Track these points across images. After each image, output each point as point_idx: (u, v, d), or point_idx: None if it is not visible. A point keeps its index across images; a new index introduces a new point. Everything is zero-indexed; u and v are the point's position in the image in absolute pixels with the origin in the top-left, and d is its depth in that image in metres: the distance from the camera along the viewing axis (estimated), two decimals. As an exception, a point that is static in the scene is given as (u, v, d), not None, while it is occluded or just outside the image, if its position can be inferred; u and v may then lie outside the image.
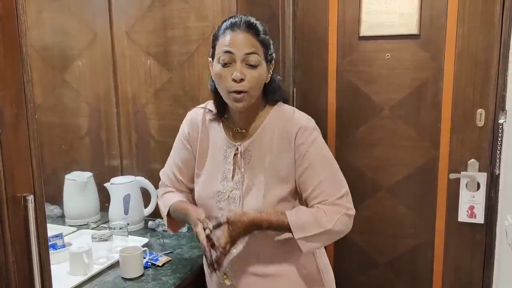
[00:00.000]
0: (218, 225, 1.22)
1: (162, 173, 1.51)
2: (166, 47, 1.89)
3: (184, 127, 1.44)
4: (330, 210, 1.24)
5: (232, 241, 1.22)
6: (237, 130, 1.34)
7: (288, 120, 1.29)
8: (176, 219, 1.43)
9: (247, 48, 1.20)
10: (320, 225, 1.23)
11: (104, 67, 2.03)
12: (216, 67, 1.24)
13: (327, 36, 2.24)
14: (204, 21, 1.81)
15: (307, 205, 1.29)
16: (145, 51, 1.93)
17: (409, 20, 2.09)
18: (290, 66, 2.27)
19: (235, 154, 1.32)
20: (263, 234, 1.27)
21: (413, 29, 2.09)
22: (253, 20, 1.25)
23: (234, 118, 1.34)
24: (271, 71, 1.30)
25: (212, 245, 1.23)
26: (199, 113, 1.42)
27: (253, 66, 1.21)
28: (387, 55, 2.15)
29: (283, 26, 2.16)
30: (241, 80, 1.19)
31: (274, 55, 1.30)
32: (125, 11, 1.94)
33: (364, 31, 2.16)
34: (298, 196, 1.34)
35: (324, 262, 1.43)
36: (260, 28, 1.24)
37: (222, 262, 1.24)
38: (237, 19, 1.23)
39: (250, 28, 1.22)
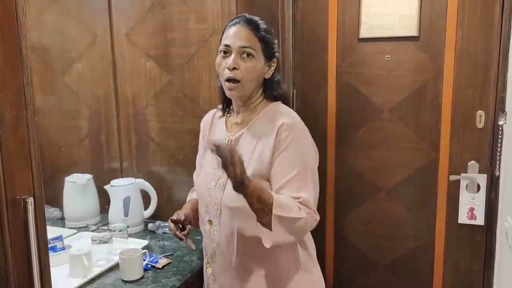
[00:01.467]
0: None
1: (194, 176, 1.61)
2: (166, 50, 1.90)
3: (200, 127, 1.56)
4: (300, 204, 1.25)
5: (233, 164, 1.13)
6: (235, 121, 1.42)
7: (278, 115, 1.34)
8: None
9: (243, 42, 1.30)
10: (298, 211, 1.23)
11: (104, 70, 2.04)
12: (217, 58, 1.35)
13: (327, 38, 2.24)
14: (204, 24, 1.81)
15: None
16: (145, 53, 1.94)
17: (409, 22, 2.09)
18: (289, 68, 2.27)
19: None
20: (239, 227, 1.31)
21: (413, 31, 2.09)
22: (255, 18, 1.35)
23: (234, 110, 1.43)
24: (272, 68, 1.38)
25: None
26: (211, 113, 1.54)
27: (247, 58, 1.30)
28: (387, 57, 2.15)
29: (283, 28, 2.17)
30: (234, 68, 1.28)
31: (277, 54, 1.38)
32: (125, 13, 1.95)
33: (364, 33, 2.16)
34: None
35: (308, 266, 1.41)
36: (261, 26, 1.34)
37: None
38: (240, 17, 1.35)
39: (250, 24, 1.32)
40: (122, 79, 2.01)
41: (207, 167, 1.45)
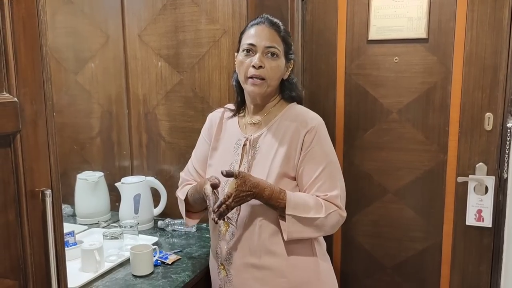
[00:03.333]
0: (229, 175, 1.26)
1: (183, 172, 1.59)
2: (177, 50, 1.93)
3: (205, 125, 1.56)
4: (326, 202, 1.31)
5: (236, 195, 1.24)
6: (251, 122, 1.41)
7: (301, 119, 1.36)
8: (193, 209, 1.50)
9: (268, 41, 1.32)
10: (315, 210, 1.28)
11: (116, 69, 2.07)
12: (239, 56, 1.36)
13: (336, 40, 2.26)
14: (214, 24, 1.84)
15: None
16: (157, 53, 1.97)
17: (418, 24, 2.10)
18: (299, 70, 2.29)
19: (244, 145, 1.39)
20: (258, 224, 1.32)
21: (422, 33, 2.10)
22: (276, 20, 1.38)
23: (250, 110, 1.43)
24: (289, 69, 1.41)
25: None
26: (219, 112, 1.54)
27: (272, 57, 1.33)
28: (396, 59, 2.16)
29: (292, 30, 2.19)
30: (260, 67, 1.30)
31: (294, 56, 1.42)
32: (138, 14, 1.98)
33: (373, 35, 2.18)
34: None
35: (325, 268, 1.42)
36: (283, 27, 1.37)
37: (223, 210, 1.25)
38: (262, 18, 1.38)
39: (273, 24, 1.35)
40: (133, 78, 2.04)
41: (219, 167, 1.40)
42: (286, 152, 1.32)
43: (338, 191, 1.32)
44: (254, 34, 1.33)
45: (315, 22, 2.30)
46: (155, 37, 1.96)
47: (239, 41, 1.39)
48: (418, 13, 2.10)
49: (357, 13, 2.21)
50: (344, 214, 1.34)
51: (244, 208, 1.34)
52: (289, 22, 2.15)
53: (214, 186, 1.32)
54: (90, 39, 2.11)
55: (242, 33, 1.40)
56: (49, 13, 2.10)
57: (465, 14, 2.02)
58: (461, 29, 2.04)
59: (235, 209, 1.33)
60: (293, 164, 1.33)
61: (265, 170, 1.33)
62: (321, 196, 1.31)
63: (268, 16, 1.38)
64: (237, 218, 1.35)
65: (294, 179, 1.35)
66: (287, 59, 1.38)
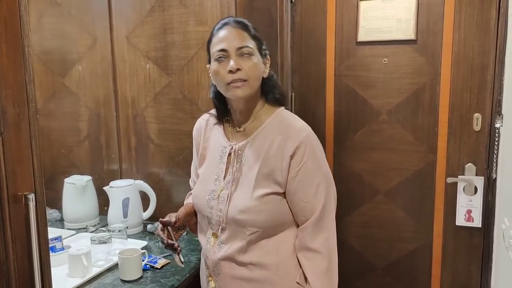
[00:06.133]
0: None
1: (190, 181, 1.56)
2: (166, 52, 1.91)
3: (193, 134, 1.50)
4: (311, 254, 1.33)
5: None
6: (236, 129, 1.35)
7: (288, 129, 1.29)
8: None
9: (239, 42, 1.24)
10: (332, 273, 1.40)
11: (104, 71, 2.05)
12: (213, 66, 1.28)
13: (325, 41, 2.26)
14: (203, 26, 1.83)
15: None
16: (145, 55, 1.95)
17: (406, 25, 2.11)
18: (288, 71, 2.28)
19: (229, 154, 1.33)
20: (246, 238, 1.27)
21: (410, 35, 2.11)
22: (241, 18, 1.30)
23: (235, 117, 1.36)
24: (267, 66, 1.33)
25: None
26: (204, 119, 1.47)
27: (247, 56, 1.24)
28: (385, 60, 2.17)
29: (282, 32, 2.18)
30: (237, 70, 1.22)
31: (267, 51, 1.34)
32: (125, 16, 1.96)
33: (362, 36, 2.19)
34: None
35: None
36: (250, 24, 1.29)
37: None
38: (226, 19, 1.30)
39: (239, 24, 1.28)
40: (121, 81, 2.03)
41: (205, 177, 1.38)
42: (273, 163, 1.26)
43: (320, 207, 1.30)
44: (222, 39, 1.24)
45: (304, 24, 2.29)
46: (143, 39, 1.94)
47: (208, 51, 1.30)
48: (406, 15, 2.10)
49: (346, 15, 2.21)
50: (326, 259, 1.37)
51: (232, 220, 1.28)
52: (278, 23, 2.15)
53: (165, 224, 1.33)
54: (77, 42, 2.09)
55: (209, 42, 1.30)
56: (35, 15, 2.11)
57: (453, 15, 2.03)
58: (449, 30, 2.05)
59: (221, 221, 1.30)
60: (282, 175, 1.26)
61: (250, 188, 1.27)
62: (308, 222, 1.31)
63: (231, 17, 1.31)
64: (226, 233, 1.30)
65: (280, 194, 1.29)
66: (262, 55, 1.30)
